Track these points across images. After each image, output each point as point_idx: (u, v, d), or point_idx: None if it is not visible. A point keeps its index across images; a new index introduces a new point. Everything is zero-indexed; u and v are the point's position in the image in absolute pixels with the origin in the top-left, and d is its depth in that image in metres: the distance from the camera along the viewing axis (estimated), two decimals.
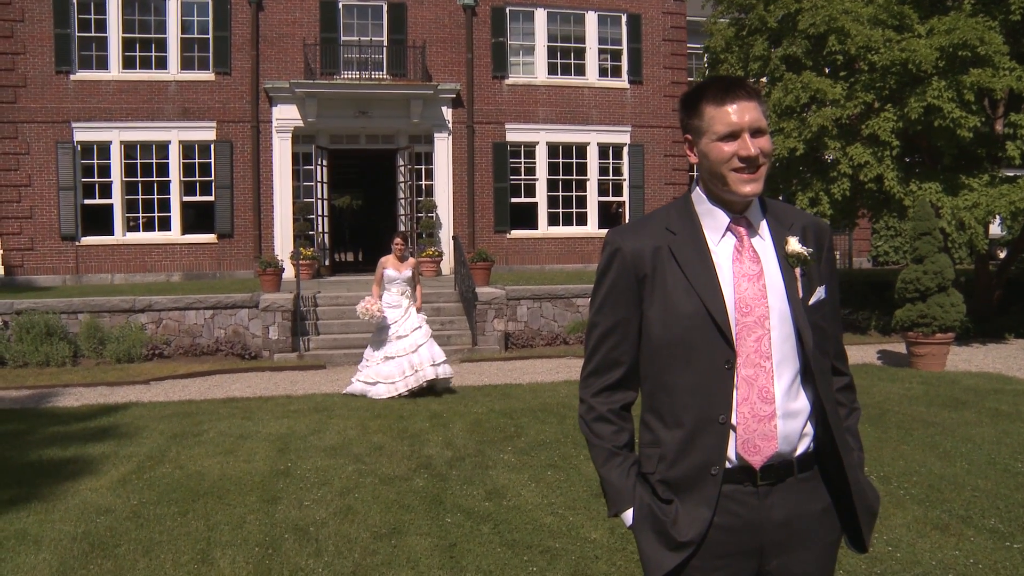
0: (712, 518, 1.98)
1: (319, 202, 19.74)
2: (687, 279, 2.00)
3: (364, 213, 36.55)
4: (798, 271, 2.05)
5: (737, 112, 1.98)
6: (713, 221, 2.07)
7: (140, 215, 19.35)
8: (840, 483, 2.05)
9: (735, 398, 1.98)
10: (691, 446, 1.99)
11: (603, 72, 21.56)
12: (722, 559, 1.99)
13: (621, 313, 2.09)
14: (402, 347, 9.84)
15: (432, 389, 10.03)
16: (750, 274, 2.01)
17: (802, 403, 2.02)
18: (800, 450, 2.03)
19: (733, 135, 1.98)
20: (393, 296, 10.07)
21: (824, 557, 2.06)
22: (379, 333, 10.12)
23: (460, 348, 13.62)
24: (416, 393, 9.81)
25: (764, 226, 2.09)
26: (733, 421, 1.98)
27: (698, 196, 2.11)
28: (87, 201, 19.08)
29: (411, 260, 10.37)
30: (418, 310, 10.21)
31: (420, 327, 10.00)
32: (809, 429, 2.04)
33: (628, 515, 2.10)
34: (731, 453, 1.99)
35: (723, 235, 2.05)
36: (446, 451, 7.25)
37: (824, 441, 2.05)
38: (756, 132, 1.99)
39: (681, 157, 21.29)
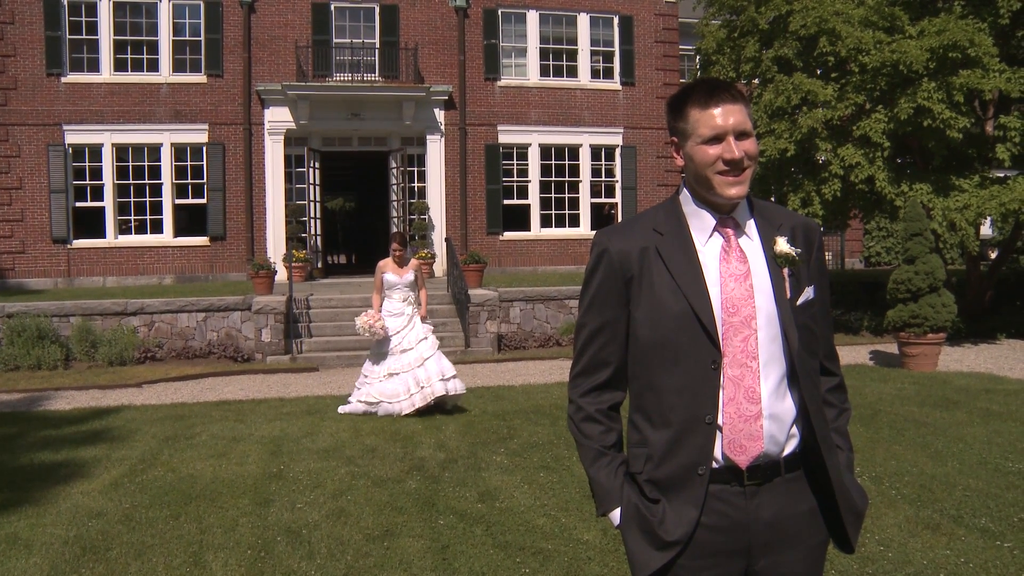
0: (699, 518, 1.98)
1: (312, 204, 19.73)
2: (674, 279, 2.01)
3: (357, 215, 36.53)
4: (786, 271, 2.05)
5: (722, 115, 1.99)
6: (700, 222, 2.07)
7: (132, 218, 19.30)
8: (827, 484, 2.06)
9: (721, 398, 1.99)
10: (678, 446, 2.00)
11: (595, 74, 21.60)
12: (709, 559, 2.00)
13: (609, 314, 2.10)
14: (407, 361, 8.86)
15: (441, 407, 8.99)
16: (737, 274, 2.02)
17: (789, 404, 2.03)
18: (787, 451, 2.03)
19: (718, 138, 1.99)
20: (395, 303, 9.09)
21: (812, 557, 2.07)
22: (380, 345, 9.11)
23: (453, 350, 13.60)
24: (424, 412, 8.82)
25: (752, 226, 2.09)
26: (719, 421, 1.99)
27: (685, 197, 2.12)
28: (79, 204, 19.02)
29: (413, 262, 9.37)
30: (423, 318, 9.23)
31: (426, 338, 9.01)
32: (796, 430, 2.05)
33: (616, 515, 2.11)
34: (717, 453, 1.99)
35: (710, 236, 2.06)
36: (439, 453, 7.25)
37: (811, 442, 2.05)
38: (741, 135, 1.99)
39: (673, 158, 21.31)
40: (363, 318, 8.97)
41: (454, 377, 8.97)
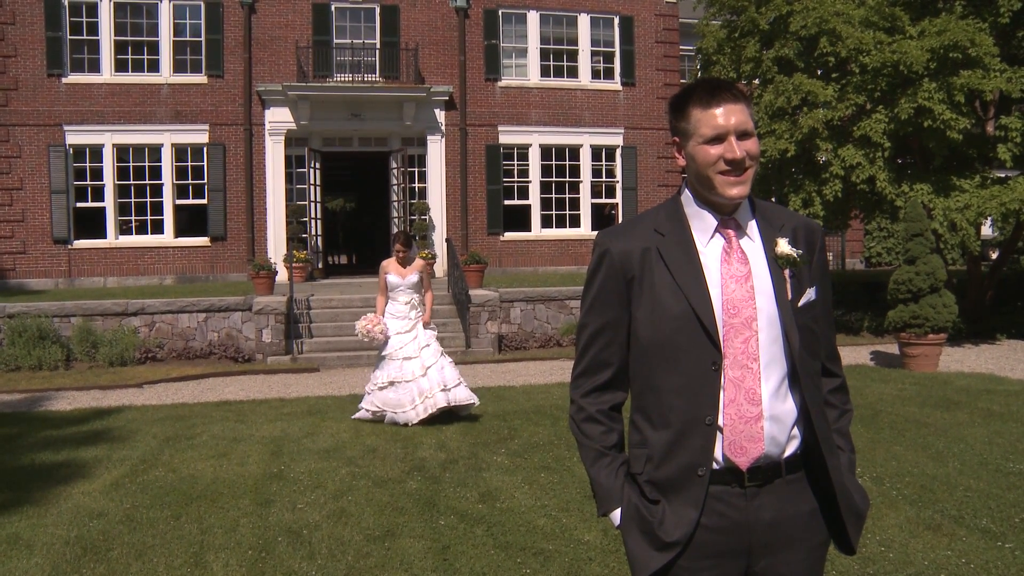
0: (699, 519, 1.98)
1: (312, 204, 19.74)
2: (675, 280, 2.01)
3: (357, 216, 36.52)
4: (787, 272, 2.05)
5: (723, 115, 1.98)
6: (701, 223, 2.07)
7: (133, 218, 19.31)
8: (828, 486, 2.05)
9: (722, 399, 1.99)
10: (678, 447, 2.00)
11: (596, 74, 21.60)
12: (709, 560, 2.00)
13: (610, 314, 2.10)
14: (409, 370, 8.43)
15: (452, 415, 8.60)
16: (738, 275, 2.02)
17: (790, 405, 2.03)
18: (788, 452, 2.03)
19: (719, 138, 1.99)
20: (399, 306, 8.68)
21: (812, 558, 2.06)
22: (381, 350, 8.74)
23: (453, 350, 13.57)
24: (430, 421, 8.38)
25: (754, 227, 2.09)
26: (720, 422, 1.99)
27: (687, 198, 2.11)
28: (79, 204, 19.04)
29: (418, 262, 8.88)
30: (426, 324, 8.77)
31: (429, 345, 8.60)
32: (797, 431, 2.04)
33: (616, 515, 2.11)
34: (718, 454, 1.99)
35: (711, 237, 2.06)
36: (439, 453, 7.25)
37: (812, 443, 2.05)
38: (742, 135, 1.99)
39: (674, 159, 21.31)
40: (362, 322, 8.58)
41: (458, 385, 8.56)
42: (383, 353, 8.67)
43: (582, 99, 21.32)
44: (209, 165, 19.39)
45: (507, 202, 20.94)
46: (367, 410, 8.71)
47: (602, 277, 2.10)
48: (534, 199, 21.12)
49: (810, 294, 2.08)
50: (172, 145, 19.27)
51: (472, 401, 8.67)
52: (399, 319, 8.68)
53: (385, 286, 8.80)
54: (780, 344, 2.01)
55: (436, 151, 20.43)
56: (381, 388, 8.52)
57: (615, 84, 21.60)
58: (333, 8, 20.01)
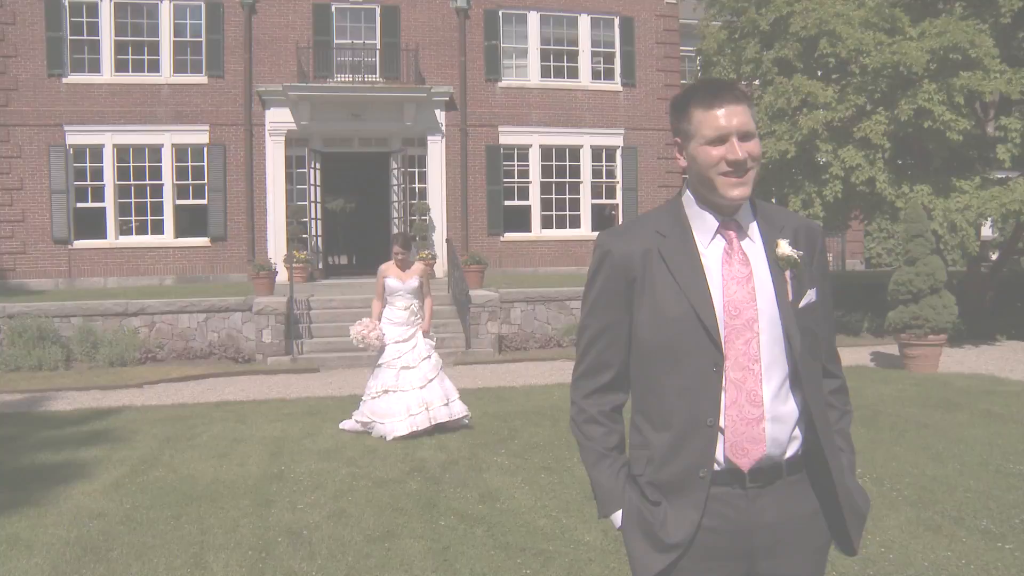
0: (700, 520, 1.98)
1: (312, 205, 19.74)
2: (676, 282, 2.00)
3: (358, 216, 36.49)
4: (788, 274, 2.05)
5: (725, 116, 1.98)
6: (703, 224, 2.06)
7: (133, 218, 19.30)
8: (829, 486, 2.05)
9: (723, 401, 1.98)
10: (679, 448, 2.00)
11: (596, 75, 21.60)
12: (711, 561, 1.99)
13: (611, 315, 2.09)
14: (408, 381, 8.04)
15: (443, 428, 8.17)
16: (739, 277, 2.01)
17: (791, 406, 2.02)
18: (789, 453, 2.03)
19: (721, 139, 1.98)
20: (397, 311, 8.23)
21: (813, 560, 2.06)
22: (377, 359, 8.35)
23: (454, 351, 13.60)
24: (423, 434, 7.95)
25: (754, 228, 2.08)
26: (721, 424, 1.98)
27: (688, 199, 2.11)
28: (80, 204, 19.03)
29: (418, 266, 8.50)
30: (426, 333, 8.35)
31: (429, 356, 8.24)
32: (798, 432, 2.04)
33: (617, 517, 2.11)
34: (719, 456, 1.99)
35: (712, 238, 2.05)
36: (440, 454, 7.25)
37: (813, 444, 2.05)
38: (744, 136, 1.98)
39: (675, 159, 21.30)
40: (357, 327, 8.19)
41: (457, 399, 8.27)
42: (379, 362, 8.26)
43: (582, 100, 21.32)
44: (209, 165, 19.39)
45: (507, 203, 20.94)
46: (357, 421, 8.28)
47: (603, 278, 2.09)
48: (534, 200, 21.11)
49: (811, 295, 2.08)
50: (172, 145, 19.27)
51: (468, 414, 8.37)
52: (397, 326, 8.23)
53: (382, 290, 8.37)
54: (781, 345, 2.01)
55: (436, 152, 20.43)
56: (373, 398, 8.12)
57: (615, 85, 21.60)
58: (333, 8, 20.01)
